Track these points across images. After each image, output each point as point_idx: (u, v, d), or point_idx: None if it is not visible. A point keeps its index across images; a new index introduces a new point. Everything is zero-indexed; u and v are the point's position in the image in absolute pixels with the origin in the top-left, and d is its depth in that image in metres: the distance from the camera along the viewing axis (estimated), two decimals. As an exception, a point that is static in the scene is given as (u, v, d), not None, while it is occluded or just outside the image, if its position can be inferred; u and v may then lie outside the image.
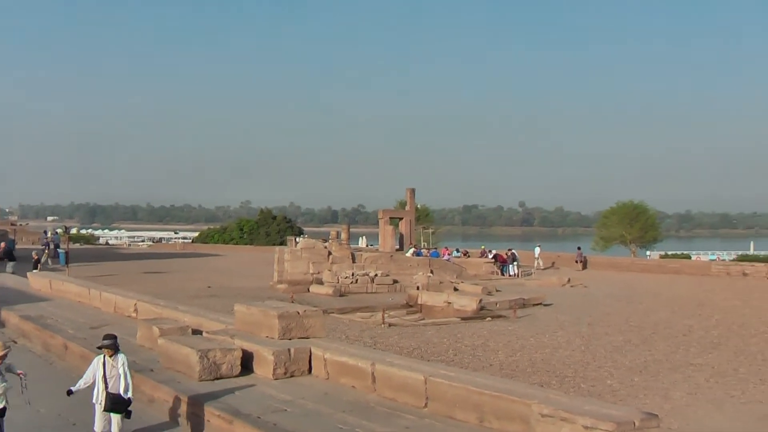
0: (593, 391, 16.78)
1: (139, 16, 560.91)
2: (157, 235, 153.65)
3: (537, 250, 60.73)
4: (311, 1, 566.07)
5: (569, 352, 21.86)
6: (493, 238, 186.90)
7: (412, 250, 49.38)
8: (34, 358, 18.09)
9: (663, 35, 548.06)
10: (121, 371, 10.71)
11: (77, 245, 77.17)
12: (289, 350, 13.81)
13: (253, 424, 10.65)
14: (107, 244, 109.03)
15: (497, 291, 36.81)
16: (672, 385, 17.74)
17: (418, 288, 35.35)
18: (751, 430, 14.46)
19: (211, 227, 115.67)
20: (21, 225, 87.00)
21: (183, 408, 12.21)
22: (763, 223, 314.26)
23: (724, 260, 69.99)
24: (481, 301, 30.17)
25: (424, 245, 60.01)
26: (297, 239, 49.71)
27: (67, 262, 45.15)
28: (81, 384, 10.87)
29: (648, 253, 78.84)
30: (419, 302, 31.50)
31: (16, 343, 19.52)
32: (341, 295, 36.15)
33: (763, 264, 53.41)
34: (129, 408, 10.81)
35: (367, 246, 71.51)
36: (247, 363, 14.08)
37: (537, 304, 32.68)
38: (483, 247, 65.06)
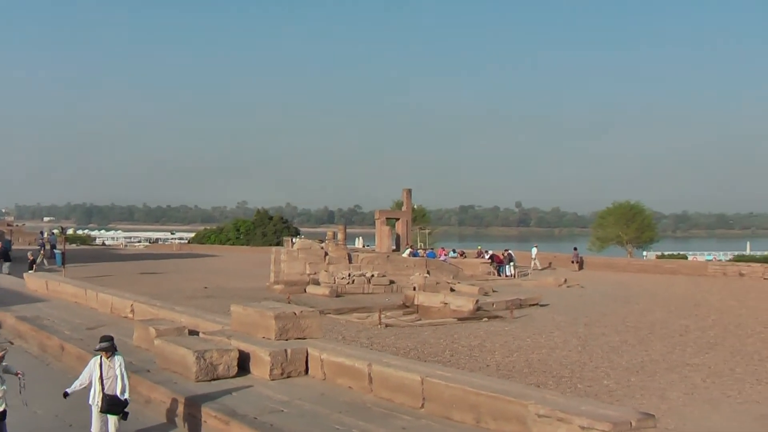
0: (590, 392, 16.78)
1: (136, 17, 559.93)
2: (154, 235, 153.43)
3: (534, 250, 60.76)
4: (309, 1, 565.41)
5: (566, 353, 21.87)
6: (489, 239, 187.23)
7: (408, 251, 49.37)
8: (30, 359, 18.06)
9: (658, 36, 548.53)
10: (118, 372, 10.71)
11: (73, 246, 77.23)
12: (285, 351, 13.80)
13: (249, 424, 10.65)
14: (103, 244, 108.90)
15: (494, 291, 36.84)
16: (669, 386, 17.76)
17: (414, 289, 35.33)
18: (748, 430, 14.47)
19: (208, 228, 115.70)
20: (17, 226, 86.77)
21: (180, 409, 12.21)
22: (759, 224, 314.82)
23: (720, 260, 70.05)
24: (477, 301, 30.17)
25: (420, 246, 60.00)
26: (293, 240, 49.65)
27: (63, 263, 45.12)
28: (77, 385, 10.87)
29: (644, 253, 78.98)
30: (416, 303, 31.50)
31: (12, 344, 19.51)
32: (338, 296, 36.13)
33: (759, 264, 53.49)
34: (126, 409, 10.80)
35: (363, 246, 71.59)
36: (243, 364, 14.08)
37: (533, 305, 32.69)
38: (479, 247, 65.05)
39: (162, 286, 38.83)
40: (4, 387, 10.22)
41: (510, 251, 54.82)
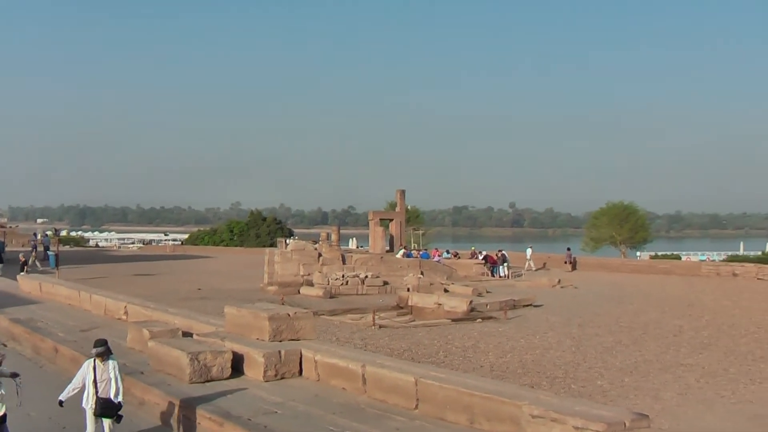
0: (584, 392, 16.82)
1: (131, 17, 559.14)
2: (147, 237, 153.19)
3: (529, 251, 60.82)
4: (298, 2, 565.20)
5: (560, 353, 21.91)
6: (483, 239, 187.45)
7: (402, 252, 49.39)
8: (24, 361, 17.99)
9: (653, 38, 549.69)
10: (112, 375, 10.67)
11: (67, 247, 76.92)
12: (279, 352, 13.80)
13: (243, 426, 10.64)
14: (97, 246, 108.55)
15: (487, 292, 36.85)
16: (662, 386, 17.80)
17: (408, 289, 35.35)
18: (741, 430, 14.51)
19: (201, 229, 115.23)
20: (11, 227, 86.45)
21: (173, 411, 12.19)
22: (752, 224, 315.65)
23: (714, 261, 70.29)
24: (471, 302, 30.21)
25: (414, 246, 60.06)
26: (287, 241, 49.69)
27: (57, 265, 44.99)
28: (70, 390, 10.81)
29: (638, 253, 79.11)
30: (410, 304, 31.53)
31: (6, 346, 19.46)
32: (331, 297, 36.12)
33: (752, 264, 53.66)
34: (120, 412, 10.78)
35: (357, 247, 71.53)
36: (237, 365, 14.07)
37: (527, 306, 32.75)
38: (473, 248, 65.14)
39: (156, 287, 38.75)
40: (3, 391, 10.21)
41: (504, 252, 54.84)
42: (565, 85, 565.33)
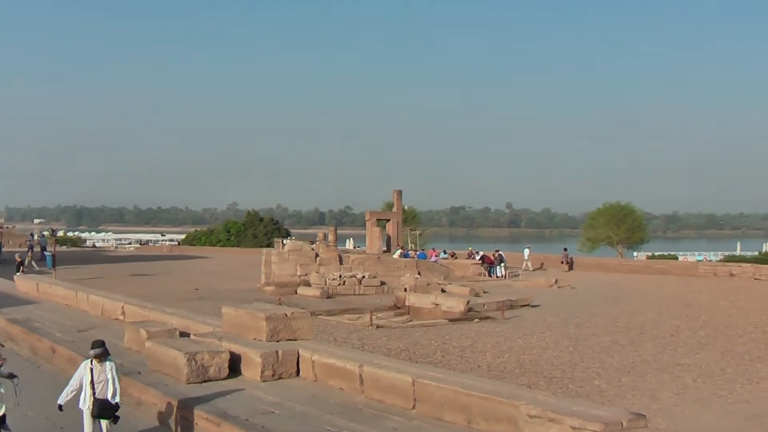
0: (581, 392, 16.81)
1: (127, 18, 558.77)
2: (144, 237, 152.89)
3: (526, 251, 60.82)
4: (294, 4, 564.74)
5: (557, 353, 21.90)
6: (480, 240, 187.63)
7: (399, 252, 49.35)
8: (21, 361, 17.98)
9: (649, 39, 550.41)
10: (109, 376, 10.66)
11: (64, 248, 76.93)
12: (276, 352, 13.80)
13: (241, 426, 10.64)
14: (94, 246, 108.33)
15: (485, 292, 36.83)
16: (659, 386, 17.80)
17: (405, 290, 35.32)
18: (738, 430, 14.52)
19: (198, 229, 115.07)
20: (7, 228, 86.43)
21: (171, 411, 12.18)
22: (749, 224, 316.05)
23: (710, 261, 70.33)
24: (468, 302, 30.20)
25: (411, 247, 60.06)
26: (284, 241, 49.52)
27: (53, 265, 44.97)
28: (68, 393, 10.78)
29: (635, 253, 79.13)
30: (407, 304, 31.52)
31: (3, 346, 19.39)
32: (329, 297, 36.11)
33: (749, 264, 53.73)
34: (116, 413, 10.76)
35: (354, 248, 71.56)
36: (234, 365, 14.07)
37: (524, 306, 32.75)
38: (470, 248, 65.17)
39: (153, 287, 38.73)
40: (2, 390, 10.21)
41: (501, 252, 54.89)
42: (563, 86, 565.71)
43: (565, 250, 62.72)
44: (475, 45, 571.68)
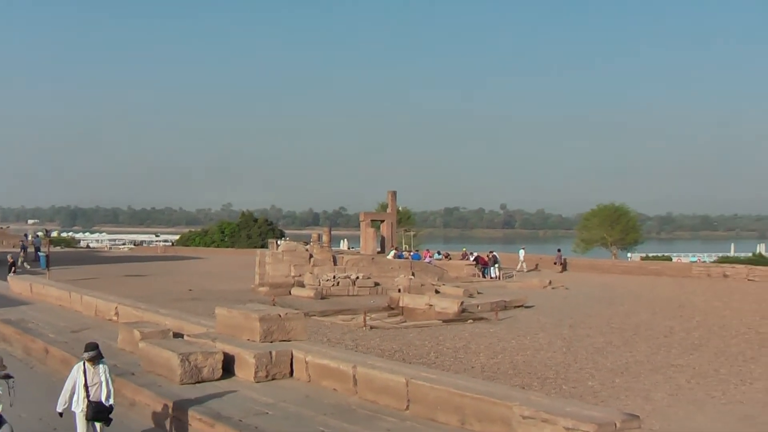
0: (574, 393, 16.84)
1: (127, 18, 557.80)
2: (138, 237, 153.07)
3: (521, 252, 60.73)
4: (289, 6, 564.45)
5: (550, 354, 21.94)
6: (474, 241, 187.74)
7: (393, 253, 49.33)
8: (14, 362, 17.91)
9: (645, 41, 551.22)
10: (103, 378, 10.62)
11: (58, 248, 76.70)
12: (270, 353, 13.79)
13: (234, 427, 10.63)
14: (88, 247, 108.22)
15: (478, 293, 36.86)
16: (653, 387, 17.84)
17: (399, 290, 35.32)
18: (732, 431, 14.55)
19: (192, 230, 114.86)
20: (1, 228, 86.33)
21: (164, 412, 12.17)
22: (743, 225, 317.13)
23: (704, 262, 70.41)
24: (462, 303, 30.22)
25: (405, 248, 59.99)
26: (278, 242, 49.53)
27: (47, 266, 44.91)
28: (66, 398, 10.67)
29: (629, 255, 79.24)
30: (401, 305, 31.53)
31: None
32: (322, 298, 36.11)
33: (743, 266, 53.77)
34: (110, 415, 10.73)
35: (348, 249, 71.54)
36: (228, 366, 14.06)
37: (518, 307, 32.78)
38: (464, 249, 65.10)
39: (147, 288, 38.68)
40: (0, 391, 10.18)
41: (495, 253, 54.85)
42: (559, 87, 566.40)
43: (559, 251, 62.68)
44: (475, 45, 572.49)
